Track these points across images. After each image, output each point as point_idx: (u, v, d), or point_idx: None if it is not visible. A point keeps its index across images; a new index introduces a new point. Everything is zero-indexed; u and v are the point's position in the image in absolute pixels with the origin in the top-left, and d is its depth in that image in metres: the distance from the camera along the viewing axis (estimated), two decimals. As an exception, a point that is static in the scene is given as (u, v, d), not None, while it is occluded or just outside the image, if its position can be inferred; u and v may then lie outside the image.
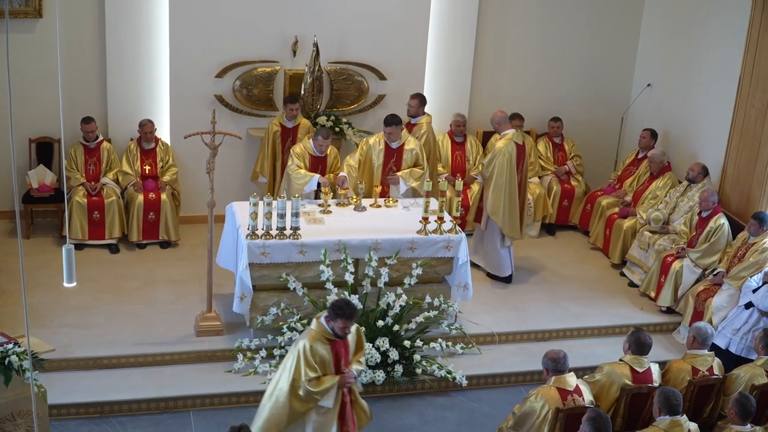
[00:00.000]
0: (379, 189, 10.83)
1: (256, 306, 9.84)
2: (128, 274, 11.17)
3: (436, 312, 10.01)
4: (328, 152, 11.00)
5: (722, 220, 10.87)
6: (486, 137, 12.86)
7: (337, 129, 12.21)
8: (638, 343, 8.18)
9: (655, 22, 13.10)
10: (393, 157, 11.09)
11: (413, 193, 11.10)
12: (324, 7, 12.06)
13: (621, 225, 12.03)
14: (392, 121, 10.95)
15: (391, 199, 10.82)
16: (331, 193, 10.60)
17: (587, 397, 7.81)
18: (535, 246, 12.60)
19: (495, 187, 11.04)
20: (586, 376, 8.26)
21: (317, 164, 10.95)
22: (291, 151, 11.02)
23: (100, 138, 11.81)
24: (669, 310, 11.02)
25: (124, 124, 12.05)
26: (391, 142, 11.03)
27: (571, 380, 7.79)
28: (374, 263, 9.79)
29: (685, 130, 12.47)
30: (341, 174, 10.86)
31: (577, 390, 7.76)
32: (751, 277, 10.00)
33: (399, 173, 11.05)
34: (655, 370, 8.23)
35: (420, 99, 11.86)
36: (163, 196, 11.73)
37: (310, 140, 10.98)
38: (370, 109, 12.57)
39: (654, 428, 7.39)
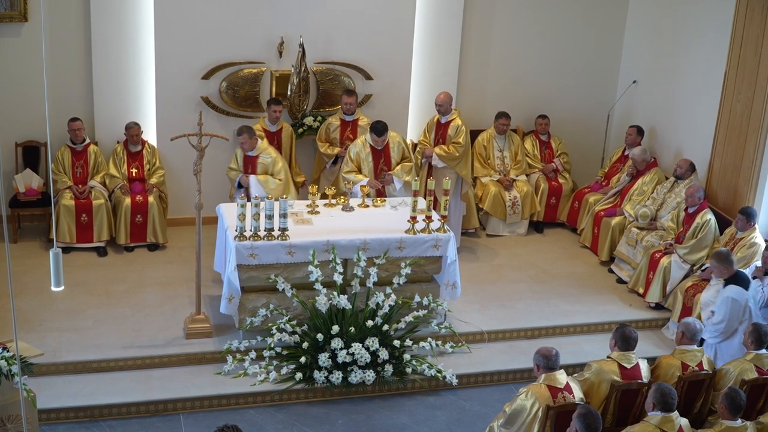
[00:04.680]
0: (366, 189, 10.85)
1: (245, 307, 9.82)
2: (116, 277, 11.13)
3: (426, 311, 10.02)
4: (261, 146, 11.09)
5: (709, 216, 10.91)
6: (473, 135, 12.86)
7: (324, 130, 12.22)
8: (624, 338, 8.20)
9: (640, 18, 13.13)
10: (381, 157, 11.10)
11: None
12: (309, 8, 12.03)
13: (609, 222, 12.06)
14: (383, 129, 10.98)
15: (379, 198, 10.82)
16: (319, 194, 10.58)
17: (577, 394, 7.81)
18: (524, 244, 12.63)
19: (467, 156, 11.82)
20: (575, 375, 8.27)
21: (247, 163, 11.10)
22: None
23: (87, 141, 11.77)
24: (658, 306, 11.05)
25: (110, 127, 12.00)
26: (378, 146, 11.05)
27: (562, 378, 7.80)
28: (363, 263, 9.79)
29: (671, 126, 12.50)
30: (388, 175, 11.08)
31: (568, 387, 7.76)
32: (738, 272, 10.04)
33: (391, 171, 11.07)
34: (644, 365, 8.24)
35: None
36: (151, 199, 11.70)
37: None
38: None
39: (645, 424, 7.40)
